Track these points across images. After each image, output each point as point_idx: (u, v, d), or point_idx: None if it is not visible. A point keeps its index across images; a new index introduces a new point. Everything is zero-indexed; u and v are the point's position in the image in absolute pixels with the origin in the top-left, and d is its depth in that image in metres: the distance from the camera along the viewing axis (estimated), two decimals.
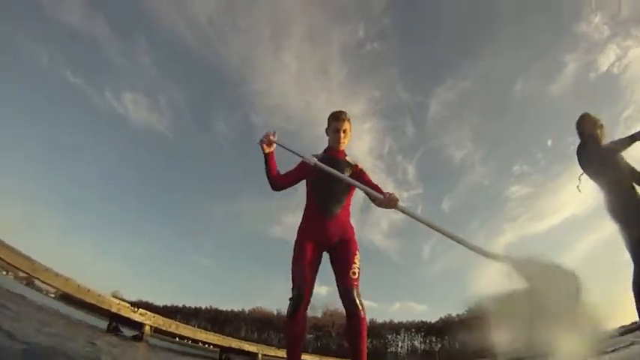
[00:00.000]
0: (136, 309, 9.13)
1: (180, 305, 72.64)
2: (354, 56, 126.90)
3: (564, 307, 1.59)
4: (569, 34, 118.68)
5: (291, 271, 2.47)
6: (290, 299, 2.37)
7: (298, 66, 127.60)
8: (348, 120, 2.79)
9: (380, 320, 70.56)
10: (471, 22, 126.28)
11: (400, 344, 67.57)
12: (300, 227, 2.65)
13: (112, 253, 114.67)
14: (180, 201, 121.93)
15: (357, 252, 2.53)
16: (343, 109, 2.82)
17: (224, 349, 13.08)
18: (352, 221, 2.70)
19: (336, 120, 2.77)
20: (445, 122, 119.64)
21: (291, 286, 2.41)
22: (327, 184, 2.61)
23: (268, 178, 2.70)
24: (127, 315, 8.83)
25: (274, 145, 2.72)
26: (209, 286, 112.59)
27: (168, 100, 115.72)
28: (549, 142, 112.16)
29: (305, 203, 2.74)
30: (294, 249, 2.55)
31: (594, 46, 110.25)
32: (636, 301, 2.90)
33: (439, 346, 65.19)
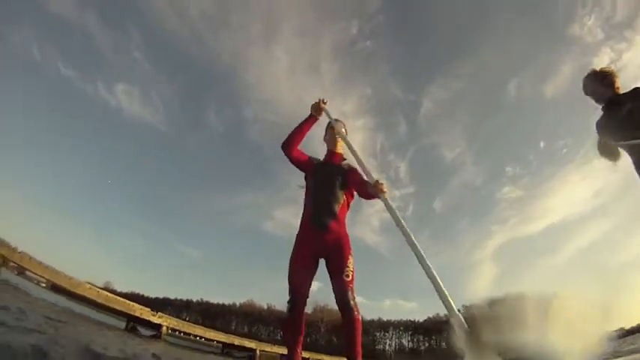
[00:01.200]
0: (155, 312, 10.50)
1: (172, 297, 73.29)
2: (347, 53, 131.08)
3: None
4: (563, 36, 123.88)
5: (288, 277, 2.61)
6: (288, 302, 2.55)
7: (290, 61, 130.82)
8: (345, 125, 3.04)
9: (369, 317, 71.32)
10: (465, 22, 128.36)
11: (388, 342, 68.73)
12: (297, 235, 2.78)
13: (104, 244, 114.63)
14: (172, 194, 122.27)
15: (351, 256, 2.62)
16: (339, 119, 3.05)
17: (226, 345, 14.56)
18: (347, 223, 2.82)
19: (336, 124, 3.01)
20: (437, 121, 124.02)
21: (288, 290, 2.57)
22: (321, 197, 2.77)
23: (291, 135, 2.90)
24: (147, 318, 10.19)
25: (322, 113, 2.96)
26: (200, 278, 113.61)
27: (161, 94, 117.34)
28: (542, 144, 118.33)
29: (302, 212, 2.87)
30: (291, 256, 2.68)
31: (588, 48, 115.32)
32: None
33: (426, 345, 66.69)
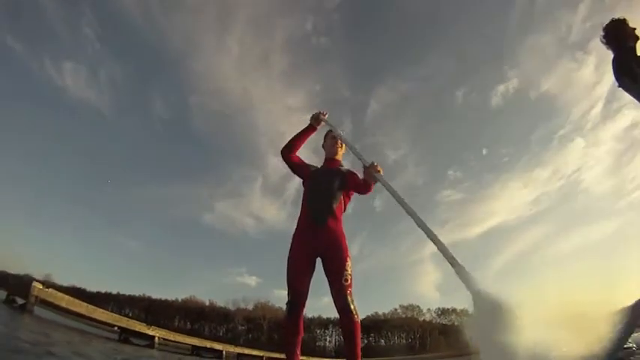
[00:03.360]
0: (148, 326, 12.96)
1: (115, 292, 71.25)
2: (299, 48, 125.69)
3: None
4: (515, 50, 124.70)
5: (286, 277, 2.64)
6: (287, 304, 2.59)
7: (241, 51, 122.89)
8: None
9: (309, 315, 72.51)
10: (420, 27, 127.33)
11: (328, 339, 71.27)
12: (293, 235, 2.81)
13: (41, 235, 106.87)
14: (112, 181, 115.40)
15: (349, 259, 2.62)
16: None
17: (195, 347, 17.14)
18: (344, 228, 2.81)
19: (329, 131, 3.16)
20: (383, 122, 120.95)
21: (287, 292, 2.61)
22: (319, 195, 2.82)
23: (291, 141, 3.02)
24: (141, 330, 12.62)
25: (322, 123, 3.02)
26: (142, 272, 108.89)
27: (109, 75, 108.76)
28: (484, 151, 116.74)
29: (299, 212, 2.91)
30: (289, 256, 2.70)
31: (538, 64, 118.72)
32: None
33: (365, 342, 68.03)
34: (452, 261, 1.82)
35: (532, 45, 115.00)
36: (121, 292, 71.43)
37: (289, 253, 2.72)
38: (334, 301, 2.52)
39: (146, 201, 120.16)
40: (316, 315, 72.59)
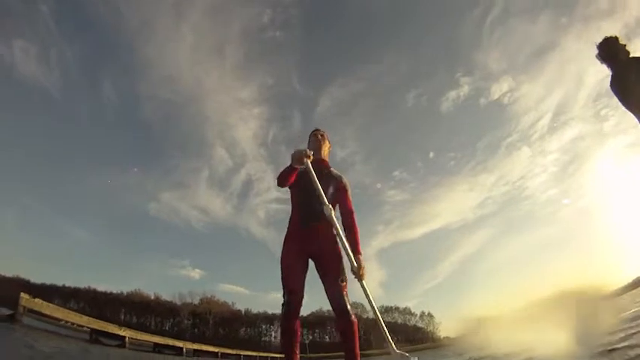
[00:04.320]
0: (119, 327, 14.39)
1: (60, 284, 69.25)
2: (254, 40, 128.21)
3: None
4: (468, 58, 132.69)
5: (281, 278, 2.63)
6: (282, 305, 2.57)
7: (195, 40, 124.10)
8: (323, 133, 3.15)
9: (255, 310, 75.35)
10: (376, 27, 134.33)
11: (274, 334, 71.72)
12: (285, 237, 2.83)
13: None
14: (57, 166, 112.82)
15: (342, 260, 2.66)
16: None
17: (157, 345, 18.45)
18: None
19: (315, 131, 3.17)
20: (332, 119, 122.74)
21: (283, 292, 2.60)
22: (309, 198, 2.78)
23: (283, 175, 2.80)
24: (114, 332, 13.98)
25: (306, 162, 2.76)
26: (87, 263, 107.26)
27: (60, 56, 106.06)
28: (431, 154, 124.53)
29: (290, 214, 2.92)
30: (282, 257, 2.71)
31: (490, 74, 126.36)
32: None
33: (310, 338, 71.45)
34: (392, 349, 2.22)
35: (484, 56, 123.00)
36: (66, 285, 69.73)
37: (282, 254, 2.73)
38: (330, 302, 2.55)
39: (90, 187, 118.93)
40: (262, 310, 75.40)
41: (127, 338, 14.25)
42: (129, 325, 28.46)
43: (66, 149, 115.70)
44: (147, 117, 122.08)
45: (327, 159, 3.10)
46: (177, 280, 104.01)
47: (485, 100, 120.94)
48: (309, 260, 2.73)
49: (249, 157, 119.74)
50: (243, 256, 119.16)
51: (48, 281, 68.76)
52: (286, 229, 2.87)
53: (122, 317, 65.09)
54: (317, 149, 3.05)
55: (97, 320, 13.91)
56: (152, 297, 73.52)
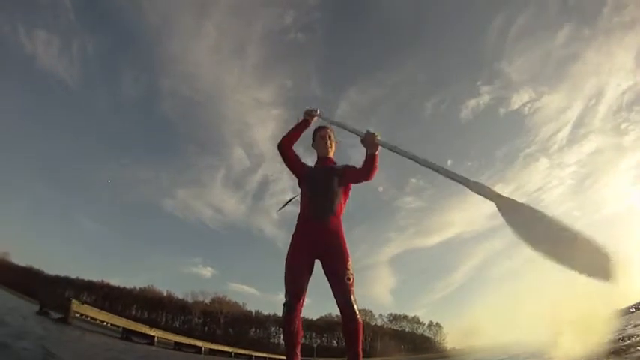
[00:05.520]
0: (150, 327, 15.68)
1: (74, 277, 69.79)
2: (276, 41, 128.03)
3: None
4: (489, 67, 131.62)
5: (284, 277, 2.63)
6: (284, 304, 2.57)
7: (218, 38, 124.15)
8: (331, 130, 3.08)
9: (265, 312, 75.21)
10: (399, 34, 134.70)
11: (282, 337, 69.90)
12: (293, 234, 2.79)
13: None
14: (75, 159, 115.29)
15: (350, 259, 2.59)
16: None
17: (177, 343, 19.70)
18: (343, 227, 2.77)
19: (321, 130, 3.08)
20: (351, 124, 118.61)
21: (285, 292, 2.59)
22: (319, 193, 2.78)
23: (286, 137, 2.93)
24: (145, 331, 15.29)
25: (315, 119, 2.92)
26: (101, 256, 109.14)
27: (81, 48, 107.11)
28: (449, 162, 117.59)
29: (299, 211, 2.87)
30: (288, 257, 2.68)
31: (511, 84, 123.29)
32: None
33: (318, 342, 71.98)
34: (465, 181, 1.93)
35: (507, 65, 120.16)
36: (80, 277, 70.31)
37: (288, 254, 2.70)
38: (336, 301, 2.50)
39: (107, 180, 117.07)
40: (272, 312, 74.21)
41: (155, 337, 15.55)
42: (139, 321, 29.74)
43: (82, 141, 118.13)
44: (166, 112, 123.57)
45: (333, 157, 3.11)
46: (189, 277, 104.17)
47: (505, 110, 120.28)
48: (315, 261, 2.70)
49: (266, 157, 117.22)
50: (256, 256, 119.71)
51: (62, 273, 69.44)
52: (295, 227, 2.84)
53: (133, 313, 65.84)
54: (323, 150, 3.07)
55: (132, 321, 15.31)
56: (164, 294, 74.45)
